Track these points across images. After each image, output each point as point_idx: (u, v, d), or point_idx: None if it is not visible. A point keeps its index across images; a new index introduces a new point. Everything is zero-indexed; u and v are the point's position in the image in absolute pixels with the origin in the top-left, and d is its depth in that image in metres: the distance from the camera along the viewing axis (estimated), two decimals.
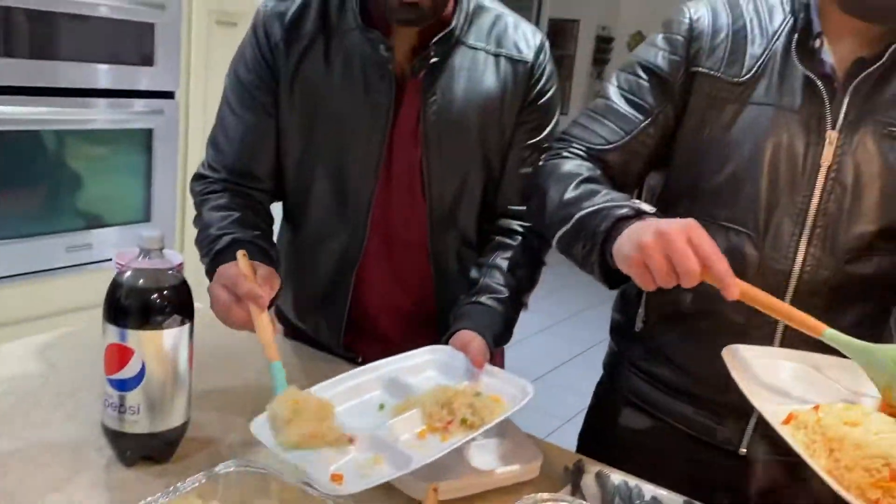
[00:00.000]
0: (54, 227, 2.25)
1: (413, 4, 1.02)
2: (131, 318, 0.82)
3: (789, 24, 1.02)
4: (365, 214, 1.16)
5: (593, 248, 0.92)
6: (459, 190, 1.17)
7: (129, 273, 0.83)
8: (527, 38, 1.17)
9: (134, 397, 0.84)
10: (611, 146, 1.07)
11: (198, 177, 1.22)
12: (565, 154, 1.08)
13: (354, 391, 0.97)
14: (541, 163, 1.11)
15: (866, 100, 0.98)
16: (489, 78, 1.14)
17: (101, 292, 0.84)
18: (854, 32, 0.99)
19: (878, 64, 0.96)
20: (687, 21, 1.07)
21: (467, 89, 1.13)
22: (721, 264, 0.79)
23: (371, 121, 1.12)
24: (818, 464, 0.72)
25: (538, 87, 1.17)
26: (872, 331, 1.03)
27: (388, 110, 1.11)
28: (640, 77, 1.08)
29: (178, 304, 0.84)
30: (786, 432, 0.76)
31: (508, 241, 1.19)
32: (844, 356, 0.85)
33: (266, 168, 1.19)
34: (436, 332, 1.16)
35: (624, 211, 0.90)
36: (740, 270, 1.00)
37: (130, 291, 0.82)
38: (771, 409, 0.79)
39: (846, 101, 0.98)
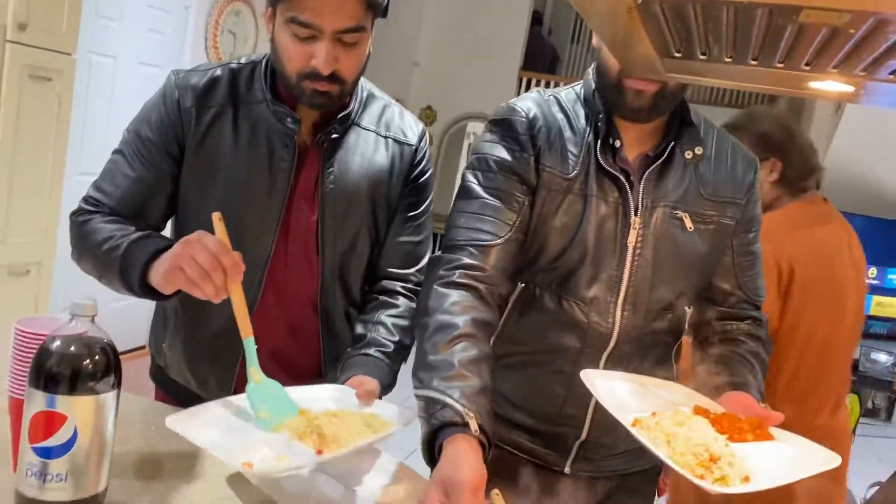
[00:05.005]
0: None
1: (325, 93, 1.16)
2: (63, 385, 0.83)
3: (592, 128, 1.20)
4: (262, 271, 1.24)
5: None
6: (349, 252, 1.29)
7: (59, 340, 0.84)
8: (411, 126, 1.35)
9: (60, 465, 0.84)
10: (500, 240, 1.15)
11: (79, 210, 1.24)
12: (455, 280, 1.12)
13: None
14: (433, 286, 1.12)
15: (655, 189, 1.21)
16: (379, 155, 1.30)
17: None
18: (641, 133, 1.23)
19: (661, 159, 1.22)
20: (525, 120, 1.19)
21: (360, 163, 1.27)
22: None
23: (272, 185, 1.22)
24: (662, 452, 0.94)
25: (419, 168, 1.35)
26: (663, 367, 1.29)
27: (289, 176, 1.22)
28: (500, 175, 1.18)
29: (111, 368, 0.87)
30: (636, 432, 0.98)
31: (391, 300, 1.33)
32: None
33: (152, 219, 1.25)
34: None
35: (450, 417, 0.96)
36: (575, 332, 1.21)
37: (63, 358, 0.84)
38: (622, 417, 1.01)
39: (641, 190, 1.21)
